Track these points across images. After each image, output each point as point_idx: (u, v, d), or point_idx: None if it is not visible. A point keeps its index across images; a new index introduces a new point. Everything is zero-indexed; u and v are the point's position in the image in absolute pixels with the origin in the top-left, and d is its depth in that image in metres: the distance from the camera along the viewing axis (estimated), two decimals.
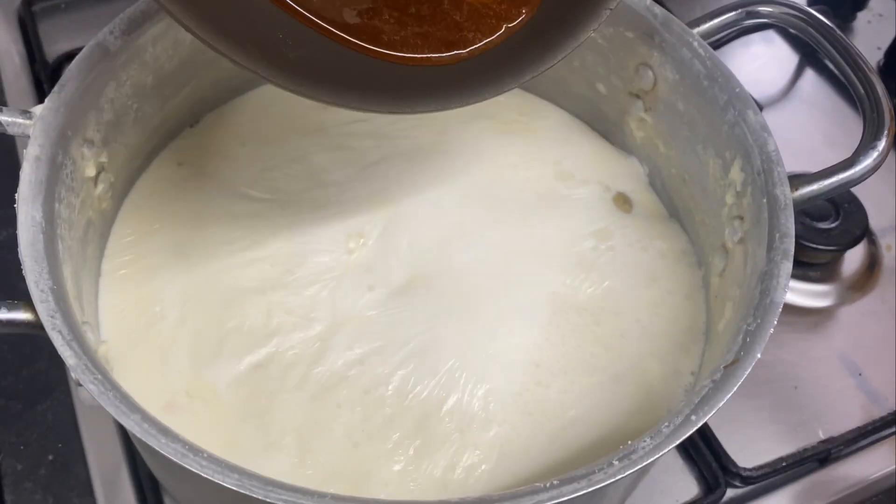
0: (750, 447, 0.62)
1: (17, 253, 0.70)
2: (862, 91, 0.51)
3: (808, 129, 0.82)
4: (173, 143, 0.64)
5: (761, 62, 0.87)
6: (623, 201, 0.61)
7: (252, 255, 0.57)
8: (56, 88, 0.52)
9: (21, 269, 0.64)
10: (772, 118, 0.80)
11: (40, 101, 0.79)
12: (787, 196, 0.48)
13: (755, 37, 0.88)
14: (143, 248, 0.59)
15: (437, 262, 0.57)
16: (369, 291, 0.56)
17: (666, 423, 0.40)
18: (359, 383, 0.52)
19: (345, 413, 0.51)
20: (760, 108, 0.73)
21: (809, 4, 0.91)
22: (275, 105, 0.67)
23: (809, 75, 0.87)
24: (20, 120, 0.51)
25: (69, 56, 0.79)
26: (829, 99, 0.85)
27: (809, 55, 0.88)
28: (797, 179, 0.49)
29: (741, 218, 0.51)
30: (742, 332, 0.43)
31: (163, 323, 0.54)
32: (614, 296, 0.56)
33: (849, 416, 0.64)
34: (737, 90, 0.53)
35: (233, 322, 0.54)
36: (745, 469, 0.60)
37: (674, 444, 0.39)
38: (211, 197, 0.61)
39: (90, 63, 0.53)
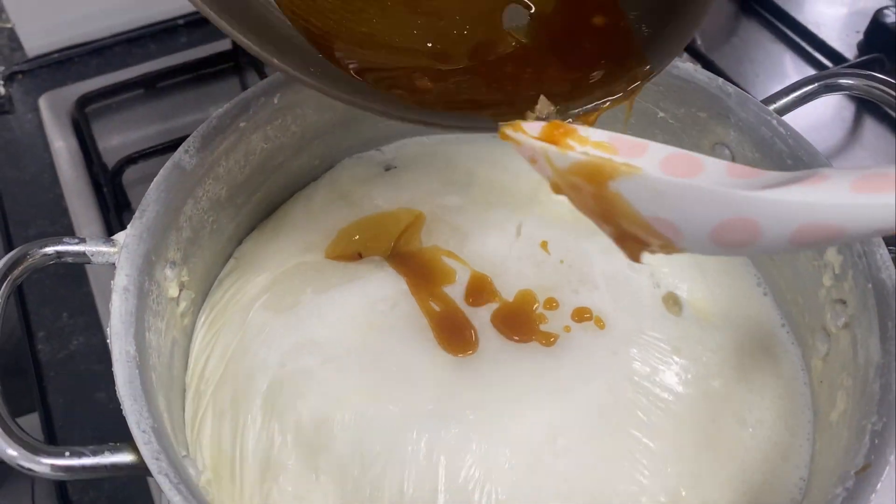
0: None
1: (89, 362, 0.71)
2: None
3: None
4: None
5: (818, 113, 0.86)
6: (673, 303, 0.58)
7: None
8: (137, 214, 0.52)
9: (96, 379, 0.64)
10: None
11: (99, 201, 0.81)
12: (895, 280, 0.46)
13: None
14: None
15: None
16: None
17: None
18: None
19: None
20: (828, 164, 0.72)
21: (861, 54, 0.90)
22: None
23: (869, 123, 0.85)
24: (104, 248, 0.51)
25: (129, 160, 0.79)
26: (890, 145, 0.84)
27: (866, 102, 0.86)
28: None
29: (843, 302, 0.49)
30: (868, 432, 0.41)
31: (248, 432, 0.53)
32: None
33: None
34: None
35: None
36: None
37: None
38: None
39: (168, 184, 0.53)
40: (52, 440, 0.67)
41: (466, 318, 0.55)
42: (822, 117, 0.86)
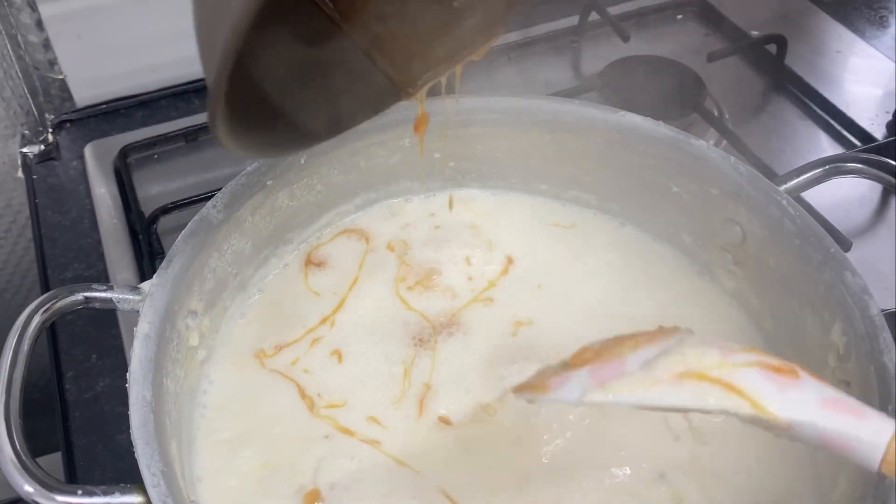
0: None
1: (114, 404, 0.73)
2: None
3: None
4: None
5: (843, 192, 0.86)
6: None
7: None
8: (163, 265, 0.54)
9: (119, 421, 0.66)
10: (860, 250, 0.80)
11: (134, 248, 0.83)
12: None
13: None
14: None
15: None
16: None
17: None
18: None
19: None
20: (849, 244, 0.73)
21: (890, 134, 0.90)
22: None
23: (894, 204, 0.85)
24: (130, 296, 0.53)
25: (164, 209, 0.82)
26: None
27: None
28: None
29: (847, 383, 0.49)
30: None
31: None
32: None
33: None
34: (832, 250, 0.52)
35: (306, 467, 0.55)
36: None
37: None
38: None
39: (195, 237, 0.56)
40: (73, 479, 0.68)
41: None
42: (849, 195, 0.86)
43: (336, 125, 0.58)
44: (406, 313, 0.63)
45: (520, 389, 0.44)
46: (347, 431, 0.56)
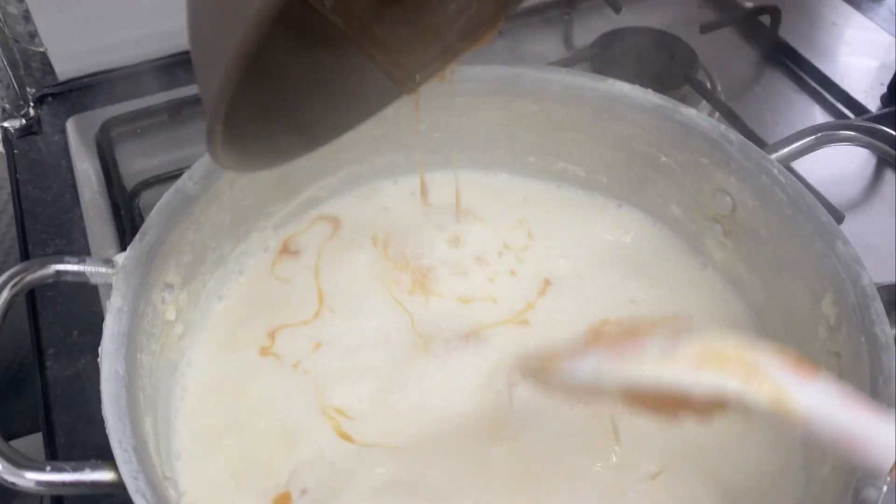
0: None
1: (95, 381, 0.72)
2: None
3: (891, 234, 0.79)
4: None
5: (836, 165, 0.84)
6: None
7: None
8: (137, 237, 0.53)
9: (98, 395, 0.65)
10: (853, 223, 0.79)
11: (116, 223, 0.82)
12: (888, 335, 0.45)
13: None
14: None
15: None
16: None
17: None
18: None
19: None
20: (842, 216, 0.71)
21: (884, 106, 0.89)
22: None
23: (889, 176, 0.84)
24: (103, 269, 0.52)
25: (146, 184, 0.81)
26: None
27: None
28: None
29: (838, 355, 0.48)
30: (851, 488, 0.41)
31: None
32: None
33: None
34: (823, 220, 0.51)
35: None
36: None
37: None
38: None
39: (171, 209, 0.54)
40: (54, 457, 0.67)
41: None
42: (841, 169, 0.85)
43: (336, 127, 0.56)
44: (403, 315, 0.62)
45: (525, 370, 0.43)
46: (346, 437, 0.54)
